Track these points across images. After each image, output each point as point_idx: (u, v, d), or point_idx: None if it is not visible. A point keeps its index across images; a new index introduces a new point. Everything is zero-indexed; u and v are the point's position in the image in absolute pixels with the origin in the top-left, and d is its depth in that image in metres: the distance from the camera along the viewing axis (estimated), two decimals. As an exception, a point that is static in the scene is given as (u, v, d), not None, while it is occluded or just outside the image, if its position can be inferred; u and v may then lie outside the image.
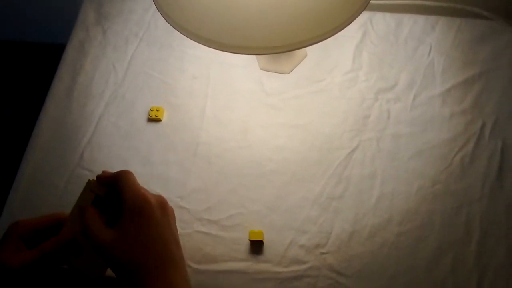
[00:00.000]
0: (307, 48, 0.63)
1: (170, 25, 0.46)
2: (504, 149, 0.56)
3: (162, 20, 0.69)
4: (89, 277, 0.49)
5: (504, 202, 0.54)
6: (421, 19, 0.64)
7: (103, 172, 0.51)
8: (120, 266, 0.44)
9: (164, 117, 0.63)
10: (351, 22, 0.45)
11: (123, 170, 0.49)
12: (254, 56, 0.63)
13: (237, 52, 0.44)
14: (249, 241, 0.54)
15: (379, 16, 0.65)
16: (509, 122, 0.57)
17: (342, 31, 0.46)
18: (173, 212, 0.50)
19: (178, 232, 0.55)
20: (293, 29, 0.43)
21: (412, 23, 0.64)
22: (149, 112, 0.63)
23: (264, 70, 0.63)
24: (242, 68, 0.65)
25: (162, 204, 0.48)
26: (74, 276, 0.48)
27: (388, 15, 0.64)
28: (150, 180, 0.59)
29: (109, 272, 0.49)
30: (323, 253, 0.54)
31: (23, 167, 0.62)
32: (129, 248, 0.44)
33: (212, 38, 0.44)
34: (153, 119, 0.63)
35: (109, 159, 0.61)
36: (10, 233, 0.47)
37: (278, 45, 0.43)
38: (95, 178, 0.51)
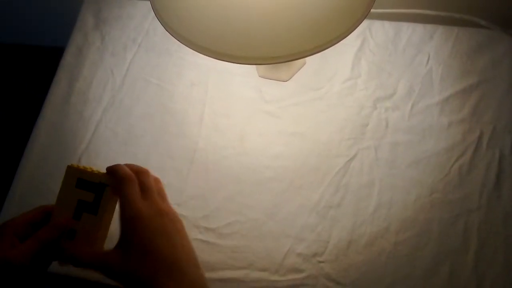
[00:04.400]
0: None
1: (170, 33, 0.46)
2: (501, 158, 0.56)
3: (161, 26, 0.69)
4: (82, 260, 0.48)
5: (502, 212, 0.54)
6: (419, 28, 0.64)
7: (117, 167, 0.50)
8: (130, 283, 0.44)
9: (161, 123, 0.63)
10: (350, 33, 0.45)
11: (126, 178, 0.49)
12: (252, 63, 0.63)
13: (236, 62, 0.44)
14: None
15: (378, 25, 0.65)
16: (507, 131, 0.57)
17: (341, 39, 0.46)
18: (176, 218, 0.49)
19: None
20: (293, 39, 0.43)
21: (411, 32, 0.64)
22: None
23: (263, 78, 0.63)
24: (241, 76, 0.65)
25: (160, 212, 0.47)
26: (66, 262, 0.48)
27: (387, 24, 0.65)
28: (147, 186, 0.59)
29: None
30: (320, 262, 0.54)
31: (19, 172, 0.62)
32: (131, 267, 0.44)
33: (211, 47, 0.44)
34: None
35: (106, 164, 0.60)
36: (3, 231, 0.47)
37: (277, 55, 0.43)
38: (73, 164, 0.53)
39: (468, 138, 0.57)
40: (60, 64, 0.69)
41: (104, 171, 0.52)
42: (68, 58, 0.69)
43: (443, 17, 0.63)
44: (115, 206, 0.52)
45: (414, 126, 0.59)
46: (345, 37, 0.45)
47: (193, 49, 0.45)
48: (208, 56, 0.45)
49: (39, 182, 0.62)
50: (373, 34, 0.64)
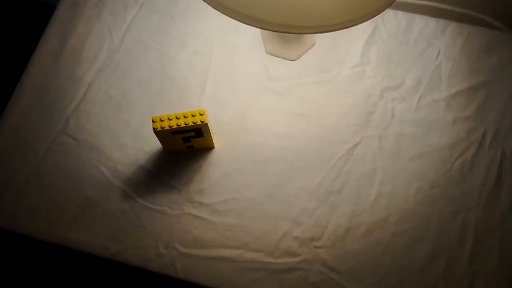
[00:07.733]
0: (316, 37, 0.61)
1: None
2: (503, 159, 0.56)
3: (167, -12, 0.66)
4: None
5: (499, 211, 0.54)
6: (432, 22, 0.63)
7: None
8: None
9: (160, 90, 0.59)
10: (374, 16, 0.44)
11: None
12: (261, 39, 0.61)
13: (257, 26, 0.42)
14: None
15: (391, 14, 0.64)
16: (510, 133, 0.57)
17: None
18: None
19: (167, 213, 0.53)
20: (321, 11, 0.41)
21: (423, 25, 0.63)
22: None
23: (270, 55, 0.61)
24: (247, 50, 0.62)
25: None
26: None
27: (400, 13, 0.64)
28: (140, 155, 0.56)
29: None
30: (317, 247, 0.52)
31: (1, 129, 0.57)
32: None
33: (228, 5, 0.41)
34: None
35: (97, 128, 0.58)
36: None
37: (304, 25, 0.41)
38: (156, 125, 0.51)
39: (472, 136, 0.57)
40: (52, 18, 0.64)
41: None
42: (61, 11, 0.64)
43: (456, 13, 0.62)
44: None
45: (419, 119, 0.58)
46: (371, 18, 0.43)
47: (215, 8, 0.42)
48: (222, 13, 0.42)
49: (20, 141, 0.57)
50: (385, 22, 0.63)
